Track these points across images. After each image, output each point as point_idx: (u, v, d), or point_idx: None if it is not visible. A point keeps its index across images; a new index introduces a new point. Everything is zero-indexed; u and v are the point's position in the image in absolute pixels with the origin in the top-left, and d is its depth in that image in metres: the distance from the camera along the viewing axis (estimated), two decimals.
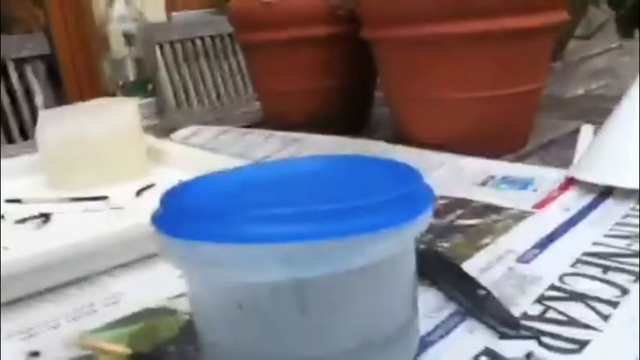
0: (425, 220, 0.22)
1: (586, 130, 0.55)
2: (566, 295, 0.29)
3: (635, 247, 0.34)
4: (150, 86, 0.79)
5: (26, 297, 0.33)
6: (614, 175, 0.41)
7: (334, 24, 0.64)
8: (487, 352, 0.25)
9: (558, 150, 0.54)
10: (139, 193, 0.51)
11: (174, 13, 2.10)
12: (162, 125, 0.77)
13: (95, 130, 0.54)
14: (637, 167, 0.40)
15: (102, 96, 0.67)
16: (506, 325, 0.27)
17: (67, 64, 1.96)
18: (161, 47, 1.46)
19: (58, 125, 0.54)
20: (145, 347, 0.28)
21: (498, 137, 0.54)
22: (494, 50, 0.51)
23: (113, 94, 0.76)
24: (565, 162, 0.48)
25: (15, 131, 1.36)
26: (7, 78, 1.35)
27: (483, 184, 0.47)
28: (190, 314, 0.24)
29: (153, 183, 0.52)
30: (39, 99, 1.36)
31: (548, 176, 0.46)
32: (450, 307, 0.29)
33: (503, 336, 0.26)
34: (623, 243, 0.34)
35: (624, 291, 0.29)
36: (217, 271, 0.21)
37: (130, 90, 0.77)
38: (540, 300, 0.29)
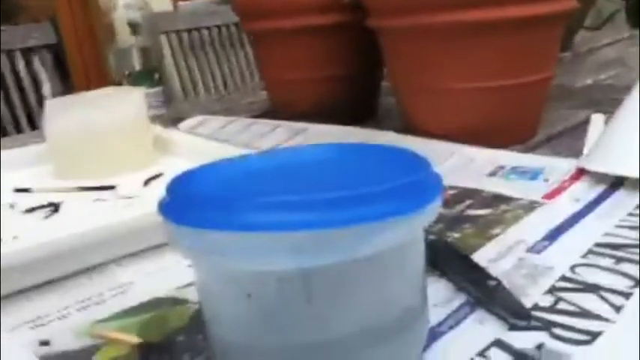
0: (434, 209, 0.22)
1: (597, 119, 0.54)
2: (578, 286, 0.29)
3: None
4: (156, 76, 0.79)
5: (35, 286, 0.33)
6: (625, 165, 0.41)
7: (341, 12, 0.64)
8: (497, 343, 0.25)
9: (568, 140, 0.54)
10: (146, 182, 0.51)
11: (180, 2, 2.10)
12: (169, 115, 0.77)
13: (102, 120, 0.54)
14: None
15: (108, 85, 0.67)
16: (517, 316, 0.27)
17: (73, 54, 1.96)
18: (167, 36, 1.46)
19: (65, 115, 0.54)
20: (154, 337, 0.28)
21: (507, 128, 0.54)
22: (502, 39, 0.50)
23: (119, 84, 0.76)
24: (575, 152, 0.47)
25: (23, 120, 1.36)
26: (14, 67, 1.35)
27: (493, 174, 0.46)
28: (199, 304, 0.24)
29: (160, 173, 0.52)
30: (46, 88, 1.37)
31: (559, 166, 0.45)
32: (460, 298, 0.29)
33: (513, 327, 0.26)
34: (634, 234, 0.34)
35: (636, 282, 0.29)
36: (224, 259, 0.21)
37: (137, 79, 0.77)
38: (551, 291, 0.29)
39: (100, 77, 1.81)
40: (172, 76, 1.44)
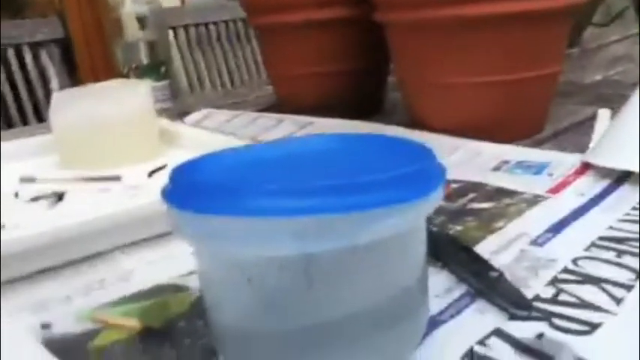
0: (436, 197, 0.22)
1: (603, 115, 0.54)
2: (580, 278, 0.29)
3: None
4: (163, 69, 0.79)
5: (39, 273, 0.33)
6: (630, 160, 0.41)
7: (347, 7, 0.63)
8: (497, 332, 0.25)
9: (575, 136, 0.54)
10: (151, 174, 0.51)
11: None
12: (175, 108, 0.78)
13: (108, 112, 0.54)
14: None
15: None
16: (518, 306, 0.26)
17: (81, 48, 1.97)
18: (175, 31, 1.47)
19: (72, 106, 0.54)
20: (155, 322, 0.28)
21: (513, 123, 0.54)
22: (509, 34, 0.50)
23: (127, 77, 0.76)
24: (582, 148, 0.47)
25: (31, 116, 1.37)
26: (22, 62, 1.36)
27: (497, 168, 0.46)
28: (201, 290, 0.24)
29: (165, 164, 0.52)
30: (54, 83, 1.37)
31: (564, 161, 0.45)
32: (462, 288, 0.29)
33: (514, 317, 0.26)
34: (638, 228, 0.34)
35: (638, 274, 0.29)
36: (227, 244, 0.21)
37: (144, 73, 0.77)
38: (553, 283, 0.29)
39: (107, 72, 1.81)
40: (179, 70, 1.45)
